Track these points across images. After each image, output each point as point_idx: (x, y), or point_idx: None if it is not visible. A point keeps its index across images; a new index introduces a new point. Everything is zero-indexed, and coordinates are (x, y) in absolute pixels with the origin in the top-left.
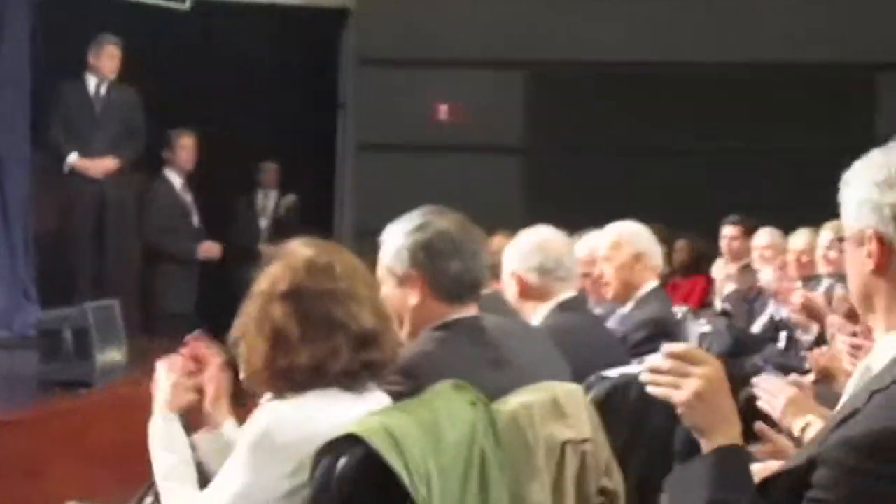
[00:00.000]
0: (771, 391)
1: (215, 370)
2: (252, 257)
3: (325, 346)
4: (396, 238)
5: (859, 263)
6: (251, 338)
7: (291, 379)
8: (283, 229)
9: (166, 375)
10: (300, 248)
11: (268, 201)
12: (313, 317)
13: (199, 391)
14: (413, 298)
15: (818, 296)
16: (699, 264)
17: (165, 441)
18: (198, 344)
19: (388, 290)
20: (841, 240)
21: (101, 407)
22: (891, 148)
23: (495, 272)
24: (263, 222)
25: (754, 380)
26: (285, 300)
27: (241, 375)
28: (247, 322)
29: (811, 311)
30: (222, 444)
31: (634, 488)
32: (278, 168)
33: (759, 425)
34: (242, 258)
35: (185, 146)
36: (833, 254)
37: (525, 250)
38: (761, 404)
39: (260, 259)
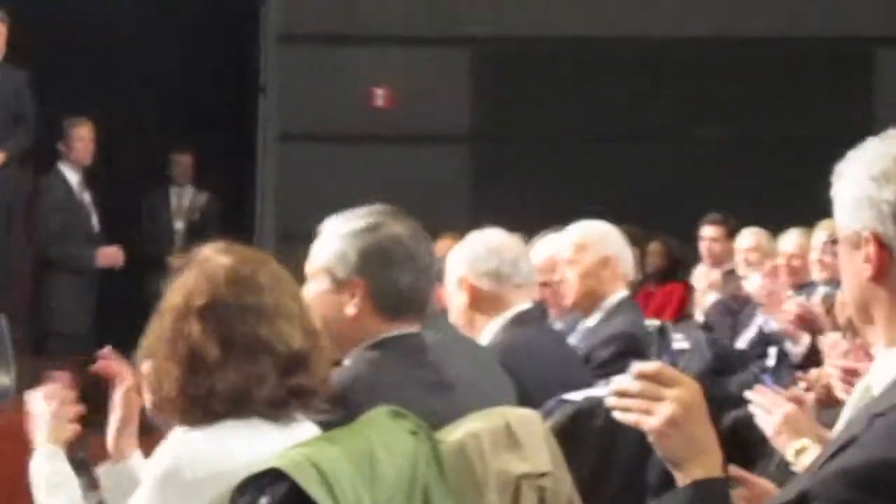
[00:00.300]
0: (766, 406)
1: (125, 393)
2: (162, 265)
3: (249, 370)
4: (342, 236)
5: (856, 269)
6: (162, 360)
7: (208, 408)
8: (198, 232)
9: (44, 405)
10: (218, 256)
11: (182, 200)
12: (235, 337)
13: (82, 420)
14: (350, 308)
15: (815, 305)
16: (675, 270)
17: (50, 480)
18: (108, 362)
19: (320, 292)
20: (835, 242)
21: None
22: (889, 136)
23: (438, 278)
24: (177, 224)
25: (748, 393)
26: (203, 317)
27: (148, 403)
28: (156, 342)
29: (808, 323)
30: (126, 479)
31: None
32: (192, 161)
33: (734, 469)
34: (151, 267)
35: (83, 137)
36: (829, 258)
37: (476, 253)
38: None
39: (170, 268)
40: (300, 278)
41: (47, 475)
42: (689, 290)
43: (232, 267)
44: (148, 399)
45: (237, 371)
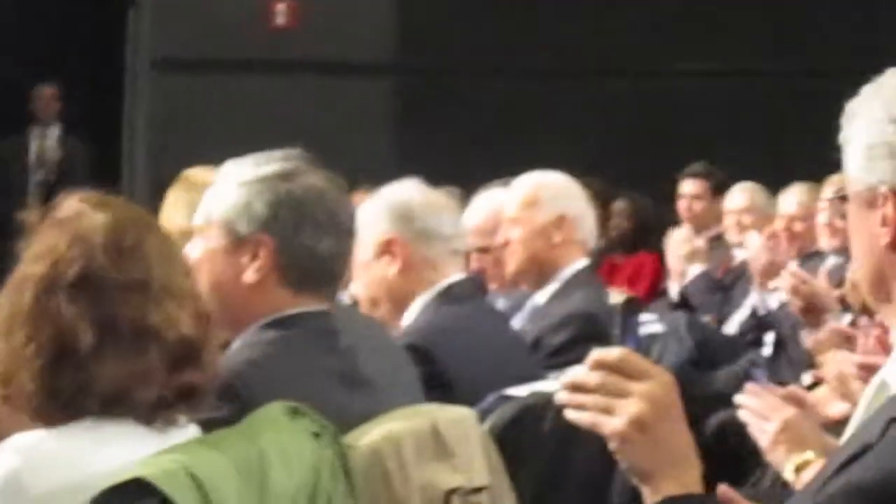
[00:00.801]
0: (760, 411)
1: None
2: (19, 224)
3: (133, 363)
4: (247, 184)
5: (870, 234)
6: (18, 344)
7: (76, 406)
8: (61, 183)
9: None
10: (93, 214)
11: (45, 140)
12: (117, 320)
13: None
14: (251, 273)
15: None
16: (646, 236)
17: None
18: None
19: (211, 252)
20: (843, 199)
21: None
22: None
23: None
24: (38, 173)
25: (737, 397)
26: (76, 292)
27: None
28: (11, 321)
29: (807, 299)
30: None
31: None
32: (57, 92)
33: (722, 488)
34: (4, 225)
35: None
36: (840, 221)
37: (403, 209)
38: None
39: (26, 226)
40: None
41: None
42: (663, 260)
43: (113, 229)
44: None
45: (117, 363)
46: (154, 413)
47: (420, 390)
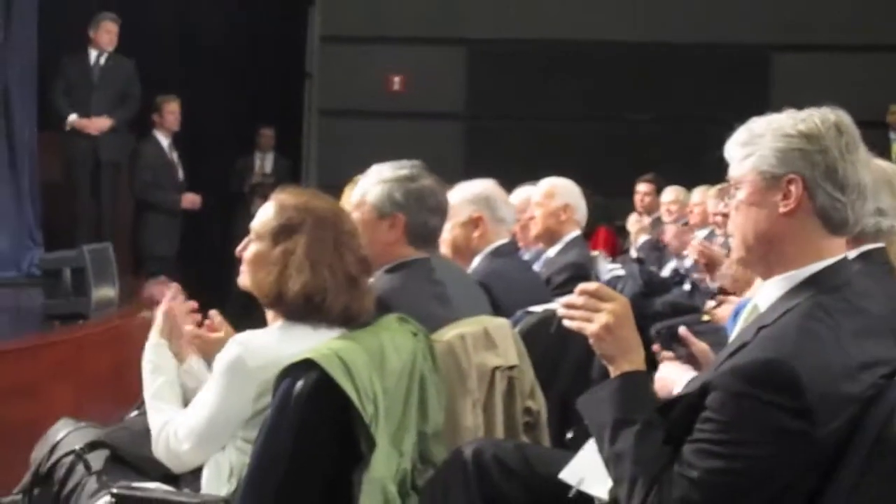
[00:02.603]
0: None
1: (166, 310)
2: (232, 209)
3: (359, 291)
4: (390, 181)
5: (768, 207)
6: (295, 269)
7: (318, 315)
8: (260, 187)
9: (160, 308)
10: (314, 198)
11: (265, 162)
12: (335, 264)
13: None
14: (386, 234)
15: (717, 249)
16: (602, 218)
17: (154, 364)
18: (155, 287)
19: (363, 220)
20: (731, 187)
21: (96, 337)
22: (793, 112)
23: None
24: (258, 179)
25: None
26: (337, 245)
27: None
28: (285, 254)
29: (709, 259)
30: (189, 377)
31: (558, 408)
32: (272, 133)
33: (683, 329)
34: (232, 209)
35: (172, 111)
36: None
37: (475, 196)
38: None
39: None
40: None
41: (152, 360)
42: (612, 231)
43: (336, 210)
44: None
45: (350, 291)
46: (339, 322)
47: (487, 306)
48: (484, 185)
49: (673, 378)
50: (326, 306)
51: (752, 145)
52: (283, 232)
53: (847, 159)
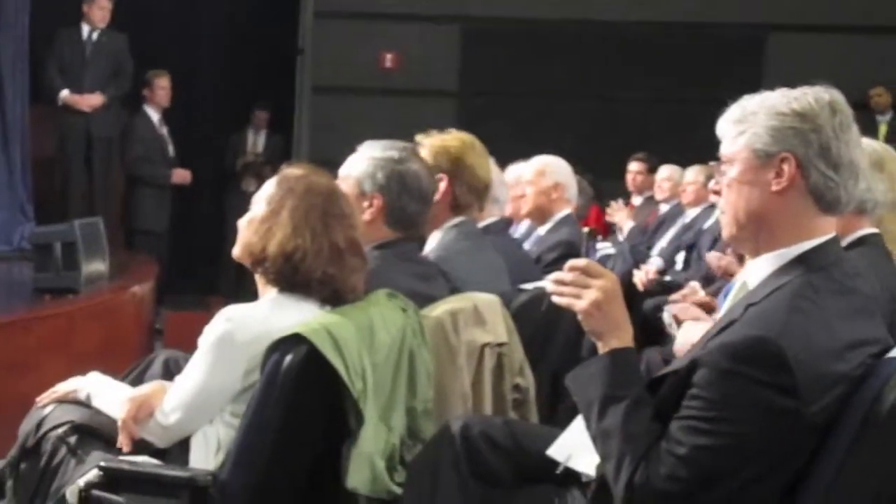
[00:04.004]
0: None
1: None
2: (223, 185)
3: (348, 265)
4: (376, 160)
5: (761, 184)
6: (299, 234)
7: (304, 283)
8: (251, 166)
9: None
10: (315, 175)
11: (258, 138)
12: (346, 238)
13: None
14: (366, 215)
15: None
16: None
17: (99, 383)
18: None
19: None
20: (729, 162)
21: (86, 311)
22: (788, 91)
23: None
24: (250, 157)
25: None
26: (328, 217)
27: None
28: (293, 219)
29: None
30: None
31: (548, 385)
32: (266, 114)
33: (674, 309)
34: (214, 185)
35: (163, 86)
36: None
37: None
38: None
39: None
40: None
41: (95, 383)
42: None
43: (335, 187)
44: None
45: (338, 263)
46: (339, 299)
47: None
48: None
49: (696, 335)
50: (305, 268)
51: (745, 123)
52: (275, 198)
53: (841, 138)
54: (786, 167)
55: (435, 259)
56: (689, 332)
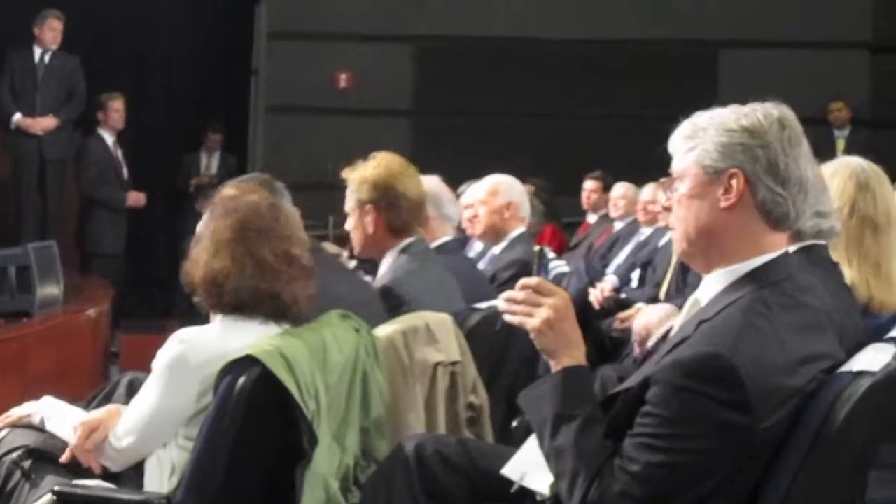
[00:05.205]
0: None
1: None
2: (178, 207)
3: (283, 279)
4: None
5: (710, 201)
6: (221, 259)
7: (241, 305)
8: (205, 188)
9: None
10: (249, 193)
11: (211, 159)
12: (278, 253)
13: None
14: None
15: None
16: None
17: (52, 408)
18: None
19: None
20: (679, 178)
21: (40, 334)
22: (738, 107)
23: None
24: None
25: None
26: (258, 236)
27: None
28: (216, 245)
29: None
30: None
31: (503, 404)
32: (221, 136)
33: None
34: (169, 207)
35: (117, 108)
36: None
37: (429, 192)
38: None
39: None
40: None
41: (48, 407)
42: (563, 230)
43: (266, 202)
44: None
45: (277, 278)
46: (283, 314)
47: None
48: (429, 182)
49: (655, 315)
50: (232, 288)
51: (695, 139)
52: (203, 222)
53: (789, 154)
54: (734, 183)
55: (387, 282)
56: (648, 313)
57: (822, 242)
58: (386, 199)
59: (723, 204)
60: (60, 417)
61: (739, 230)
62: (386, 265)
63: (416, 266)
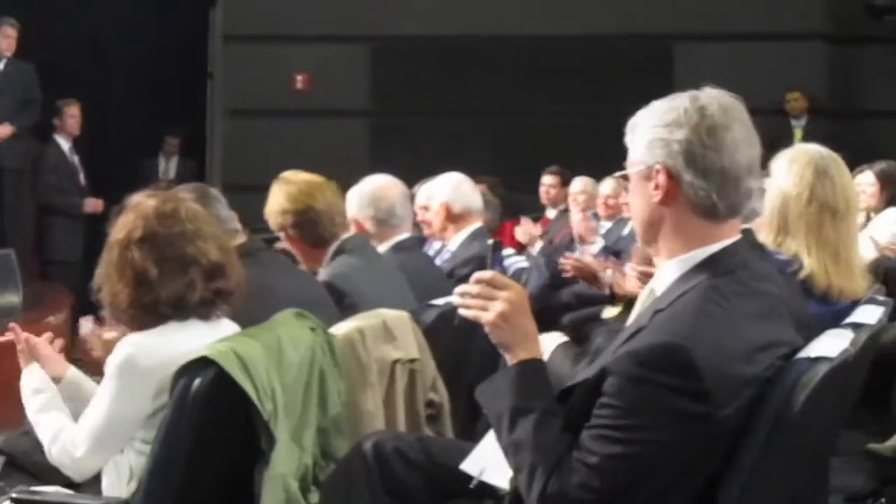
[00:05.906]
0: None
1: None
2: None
3: (182, 280)
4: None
5: (646, 196)
6: (113, 283)
7: (156, 313)
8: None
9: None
10: (146, 199)
11: (169, 164)
12: (168, 256)
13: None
14: None
15: (589, 259)
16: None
17: (32, 387)
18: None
19: None
20: (625, 177)
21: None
22: (674, 97)
23: None
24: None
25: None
26: (141, 245)
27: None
28: (108, 270)
29: (585, 274)
30: (73, 386)
31: (466, 400)
32: (179, 141)
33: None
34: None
35: (73, 115)
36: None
37: (362, 200)
38: None
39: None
40: (243, 219)
41: (31, 382)
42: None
43: (157, 205)
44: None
45: (173, 282)
46: (204, 309)
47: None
48: (383, 183)
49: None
50: (153, 296)
51: (632, 135)
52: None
53: (708, 145)
54: (661, 178)
55: (327, 277)
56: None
57: (747, 226)
58: (307, 221)
59: (655, 199)
60: (42, 406)
61: (677, 223)
62: (323, 271)
63: (357, 261)
